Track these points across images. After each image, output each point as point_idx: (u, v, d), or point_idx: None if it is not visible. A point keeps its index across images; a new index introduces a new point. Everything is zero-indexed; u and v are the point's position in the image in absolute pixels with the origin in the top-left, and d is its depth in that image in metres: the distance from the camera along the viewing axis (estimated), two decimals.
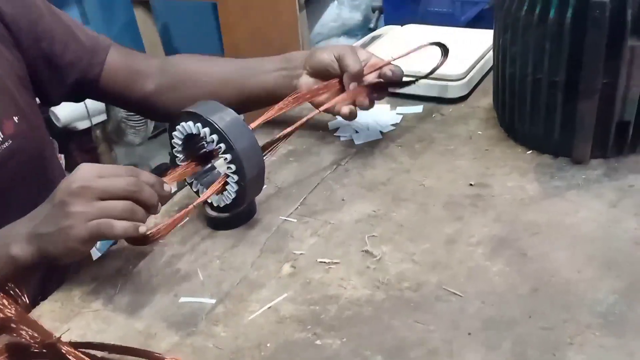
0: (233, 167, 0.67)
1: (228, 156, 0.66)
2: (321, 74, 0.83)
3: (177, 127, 0.70)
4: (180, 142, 0.71)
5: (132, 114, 2.54)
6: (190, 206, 0.68)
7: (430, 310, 0.57)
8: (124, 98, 0.89)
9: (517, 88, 0.76)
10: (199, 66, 0.89)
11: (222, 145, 0.66)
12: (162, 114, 0.90)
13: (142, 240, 0.64)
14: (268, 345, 0.55)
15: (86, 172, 0.60)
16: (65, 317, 0.62)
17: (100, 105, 2.58)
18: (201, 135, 0.67)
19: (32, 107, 0.82)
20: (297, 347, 0.55)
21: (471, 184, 0.74)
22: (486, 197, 0.71)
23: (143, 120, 2.60)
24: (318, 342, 0.55)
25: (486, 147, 0.82)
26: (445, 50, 0.91)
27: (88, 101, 2.90)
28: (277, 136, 0.74)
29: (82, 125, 2.48)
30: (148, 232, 0.62)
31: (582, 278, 0.58)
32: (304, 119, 0.76)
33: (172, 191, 0.68)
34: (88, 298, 0.64)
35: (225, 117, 0.67)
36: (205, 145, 0.74)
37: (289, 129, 0.74)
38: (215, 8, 2.91)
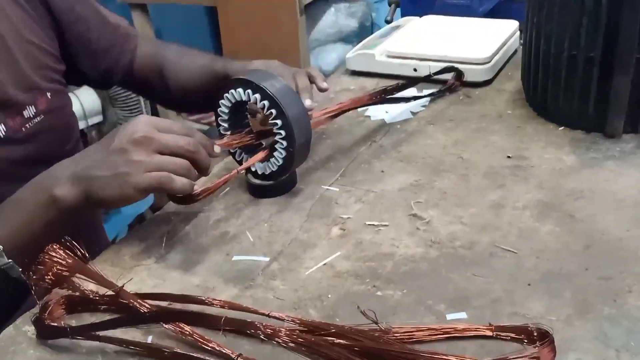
0: (283, 132, 0.68)
1: (279, 122, 0.67)
2: None
3: (226, 94, 0.70)
4: (226, 111, 0.72)
5: (129, 115, 2.54)
6: (239, 168, 0.69)
7: (486, 265, 0.58)
8: (150, 87, 0.91)
9: (551, 65, 0.78)
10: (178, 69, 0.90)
11: (273, 110, 0.67)
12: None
13: (188, 199, 0.65)
14: (329, 296, 0.56)
15: (147, 124, 0.61)
16: (118, 274, 0.61)
17: (97, 106, 2.57)
18: (252, 101, 0.68)
19: (63, 86, 0.82)
20: (358, 297, 0.55)
21: (509, 156, 0.76)
22: (525, 167, 0.73)
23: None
24: (379, 293, 0.56)
25: (518, 124, 0.84)
26: (459, 73, 0.94)
27: (84, 101, 2.88)
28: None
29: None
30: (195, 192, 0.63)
31: (632, 236, 0.59)
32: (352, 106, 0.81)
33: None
34: (139, 257, 0.64)
35: (275, 84, 0.68)
36: (248, 116, 0.75)
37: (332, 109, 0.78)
38: (209, 13, 2.94)
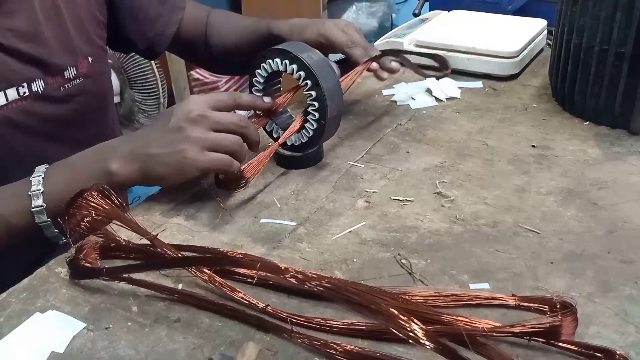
0: (316, 104, 0.69)
1: (313, 93, 0.69)
2: (333, 49, 0.82)
3: (262, 64, 0.72)
4: (262, 81, 0.73)
5: (146, 98, 2.57)
6: (280, 140, 0.71)
7: (509, 243, 0.59)
8: (193, 50, 0.93)
9: (581, 59, 0.79)
10: (222, 30, 0.92)
11: (309, 82, 0.68)
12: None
13: (237, 184, 0.66)
14: (355, 260, 0.57)
15: (200, 103, 0.63)
16: (149, 228, 0.63)
17: (115, 86, 2.59)
18: (288, 71, 0.70)
19: (104, 53, 0.84)
20: (383, 263, 0.57)
21: (533, 146, 0.77)
22: (549, 157, 0.75)
23: (156, 105, 2.61)
24: (403, 261, 0.57)
25: (543, 117, 0.85)
26: (444, 65, 0.92)
27: None
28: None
29: None
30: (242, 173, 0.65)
31: None
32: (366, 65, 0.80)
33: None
34: (169, 214, 0.66)
35: (312, 56, 0.69)
36: (281, 88, 0.76)
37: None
38: (232, 2, 2.97)
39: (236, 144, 0.63)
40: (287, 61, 0.69)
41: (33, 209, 0.59)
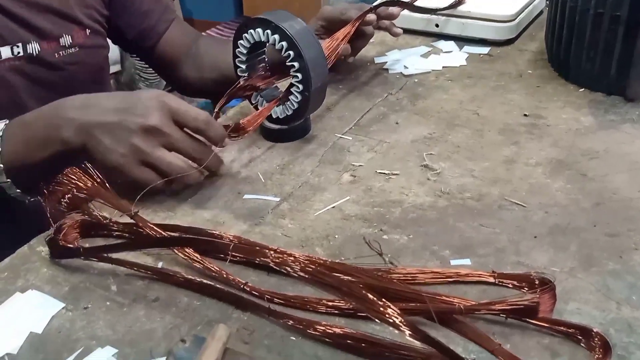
0: (299, 76, 0.68)
1: (296, 64, 0.67)
2: (333, 23, 0.83)
3: (245, 34, 0.70)
4: (245, 52, 0.72)
5: (146, 66, 2.54)
6: (272, 102, 0.70)
7: (494, 217, 0.58)
8: (167, 68, 0.92)
9: (576, 23, 0.77)
10: (220, 52, 0.89)
11: (291, 52, 0.67)
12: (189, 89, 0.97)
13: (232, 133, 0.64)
14: (336, 236, 0.57)
15: (164, 113, 0.59)
16: (131, 205, 0.62)
17: (115, 55, 2.56)
18: (270, 42, 0.68)
19: (103, 28, 0.84)
20: (365, 239, 0.56)
21: (525, 115, 0.75)
22: (541, 126, 0.73)
23: (156, 73, 2.59)
24: (385, 236, 0.56)
25: (537, 84, 0.83)
26: None
27: None
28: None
29: None
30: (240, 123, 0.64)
31: None
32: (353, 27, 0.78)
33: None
34: (151, 189, 0.65)
35: (295, 26, 0.67)
36: (266, 59, 0.74)
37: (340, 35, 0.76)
38: None
39: (176, 169, 0.59)
40: (269, 31, 0.68)
41: None
